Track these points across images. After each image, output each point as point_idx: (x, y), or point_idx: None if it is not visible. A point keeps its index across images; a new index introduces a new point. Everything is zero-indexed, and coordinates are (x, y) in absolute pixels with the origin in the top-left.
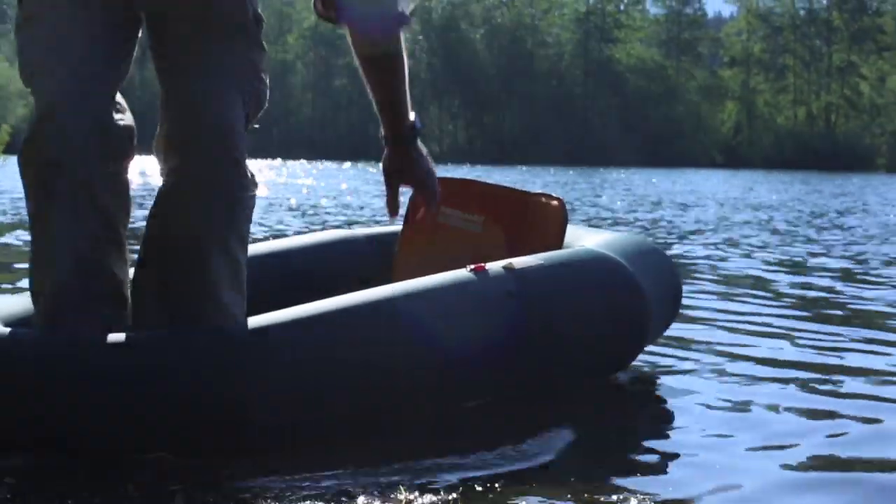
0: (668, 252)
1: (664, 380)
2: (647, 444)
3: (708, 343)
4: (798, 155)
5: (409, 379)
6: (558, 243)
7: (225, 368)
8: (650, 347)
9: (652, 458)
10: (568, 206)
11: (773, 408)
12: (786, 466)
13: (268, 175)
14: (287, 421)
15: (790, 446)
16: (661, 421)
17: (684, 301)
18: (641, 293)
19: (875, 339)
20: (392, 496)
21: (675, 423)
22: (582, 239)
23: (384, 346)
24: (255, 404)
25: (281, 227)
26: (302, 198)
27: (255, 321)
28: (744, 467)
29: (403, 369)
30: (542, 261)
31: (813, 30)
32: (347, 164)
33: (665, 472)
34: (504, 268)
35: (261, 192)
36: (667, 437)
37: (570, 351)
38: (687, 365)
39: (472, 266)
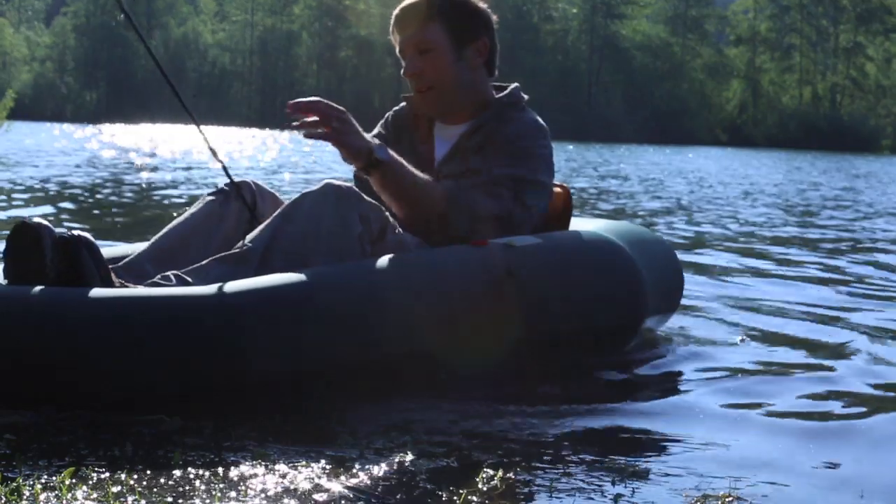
0: (675, 240)
1: (668, 368)
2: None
3: (712, 330)
4: (802, 135)
5: (405, 345)
6: (564, 228)
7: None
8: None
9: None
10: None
11: (782, 393)
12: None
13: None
14: (286, 377)
15: (798, 432)
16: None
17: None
18: (639, 275)
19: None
20: (390, 463)
21: (678, 413)
22: (584, 227)
23: (382, 312)
24: (256, 360)
25: None
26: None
27: (263, 280)
28: (751, 456)
29: (398, 336)
30: (541, 240)
31: (820, 9)
32: None
33: (666, 454)
34: (505, 245)
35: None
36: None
37: (564, 329)
38: (690, 348)
39: (474, 241)
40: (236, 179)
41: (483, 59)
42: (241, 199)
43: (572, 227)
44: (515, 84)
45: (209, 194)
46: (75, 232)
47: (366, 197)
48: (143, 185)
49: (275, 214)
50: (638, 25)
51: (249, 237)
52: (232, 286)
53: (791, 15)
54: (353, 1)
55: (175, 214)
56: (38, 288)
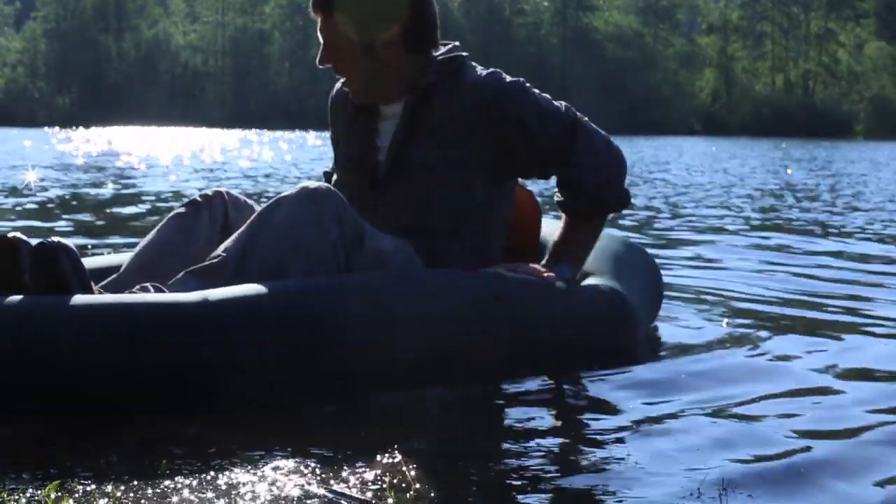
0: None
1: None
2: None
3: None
4: (776, 122)
5: (391, 360)
6: (536, 236)
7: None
8: None
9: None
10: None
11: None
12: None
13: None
14: (272, 392)
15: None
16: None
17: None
18: (633, 319)
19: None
20: (380, 467)
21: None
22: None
23: (371, 326)
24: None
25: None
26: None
27: (244, 289)
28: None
29: (386, 351)
30: (533, 279)
31: None
32: (325, 133)
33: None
34: (496, 272)
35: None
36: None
37: (549, 356)
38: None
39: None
40: (208, 189)
41: (396, 47)
42: (212, 211)
43: (546, 230)
44: (454, 44)
45: (180, 206)
46: (54, 239)
47: (342, 197)
48: (113, 191)
49: (249, 221)
50: (609, 16)
51: (223, 247)
52: (216, 294)
53: (762, 2)
54: None
55: (153, 220)
56: (17, 297)
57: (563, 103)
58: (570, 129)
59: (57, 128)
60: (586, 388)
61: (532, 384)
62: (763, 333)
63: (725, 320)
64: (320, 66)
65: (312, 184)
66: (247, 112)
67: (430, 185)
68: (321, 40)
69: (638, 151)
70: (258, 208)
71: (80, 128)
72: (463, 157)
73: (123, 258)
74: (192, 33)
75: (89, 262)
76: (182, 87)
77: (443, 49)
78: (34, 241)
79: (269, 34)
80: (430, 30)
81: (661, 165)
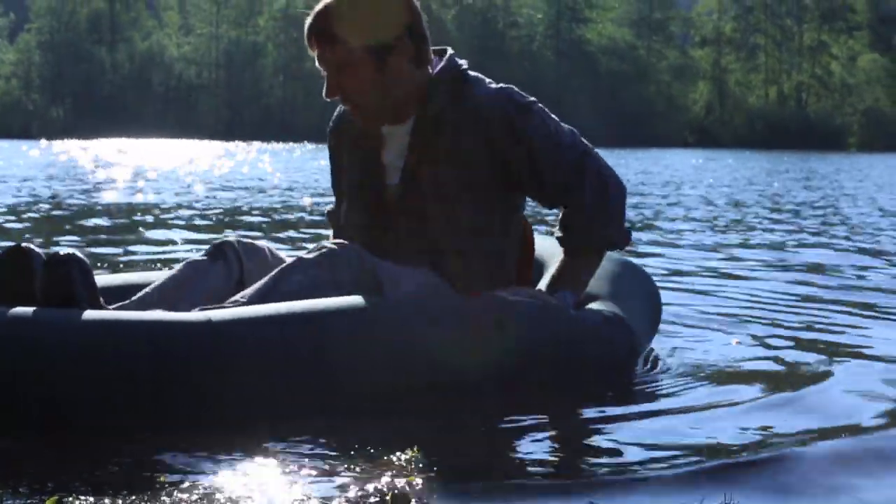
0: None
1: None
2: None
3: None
4: (770, 134)
5: (389, 380)
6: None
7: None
8: None
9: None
10: None
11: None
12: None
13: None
14: (269, 411)
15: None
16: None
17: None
18: (635, 349)
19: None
20: (371, 482)
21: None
22: (556, 255)
23: (372, 349)
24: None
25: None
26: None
27: (253, 310)
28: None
29: (384, 372)
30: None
31: (784, 9)
32: (318, 147)
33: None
34: (496, 296)
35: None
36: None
37: (547, 380)
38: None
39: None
40: (218, 240)
41: (406, 58)
42: (227, 262)
43: (541, 249)
44: (450, 52)
45: (197, 255)
46: (67, 251)
47: (360, 254)
48: (109, 206)
49: (267, 279)
50: (603, 29)
51: (241, 294)
52: (222, 314)
53: (755, 15)
54: None
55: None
56: (26, 309)
57: (574, 131)
58: (579, 164)
59: (50, 140)
60: (586, 410)
61: (531, 403)
62: (765, 347)
63: (735, 339)
64: (328, 99)
65: (331, 244)
66: (240, 124)
67: (444, 208)
68: (324, 72)
69: (630, 163)
70: (271, 255)
71: (72, 139)
72: (475, 178)
73: (135, 277)
74: (185, 45)
75: (102, 280)
76: (176, 100)
77: (441, 62)
78: (45, 252)
79: (262, 46)
80: (427, 43)
81: (650, 176)
